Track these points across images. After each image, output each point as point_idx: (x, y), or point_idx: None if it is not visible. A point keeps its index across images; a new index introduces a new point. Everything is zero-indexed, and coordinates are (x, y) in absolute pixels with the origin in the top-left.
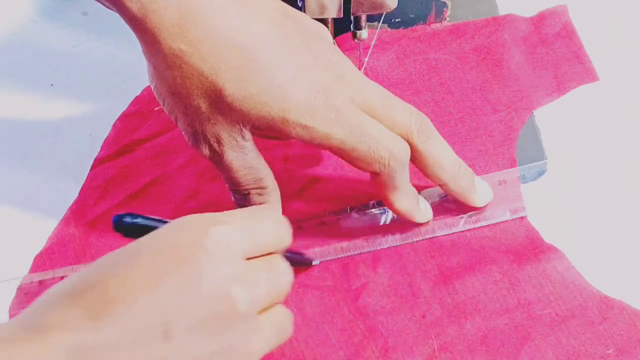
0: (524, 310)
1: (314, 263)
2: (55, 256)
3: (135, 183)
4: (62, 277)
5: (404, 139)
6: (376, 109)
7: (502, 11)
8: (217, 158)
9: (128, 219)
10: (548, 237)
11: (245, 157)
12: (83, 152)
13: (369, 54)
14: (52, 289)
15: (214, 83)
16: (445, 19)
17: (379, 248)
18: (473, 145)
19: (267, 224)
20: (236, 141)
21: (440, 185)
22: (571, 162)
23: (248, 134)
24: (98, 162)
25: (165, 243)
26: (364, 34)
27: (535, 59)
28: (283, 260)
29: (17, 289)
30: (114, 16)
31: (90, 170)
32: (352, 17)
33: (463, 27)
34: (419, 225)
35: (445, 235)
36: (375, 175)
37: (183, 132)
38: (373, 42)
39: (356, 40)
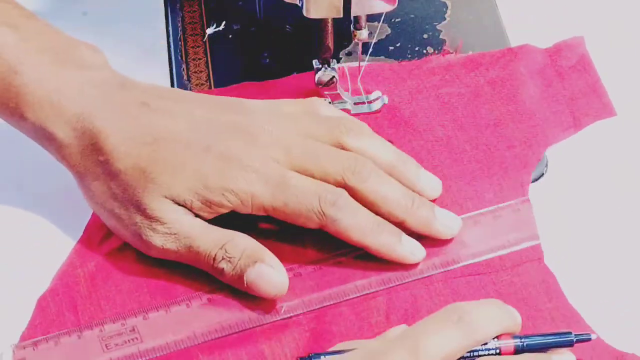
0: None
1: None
2: (60, 298)
3: None
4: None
5: (341, 185)
6: (303, 163)
7: (502, 11)
8: (170, 229)
9: None
10: (548, 237)
11: (199, 224)
12: None
13: (368, 54)
14: None
15: (137, 166)
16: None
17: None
18: (487, 182)
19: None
20: (175, 210)
21: (401, 225)
22: (571, 162)
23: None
24: None
25: None
26: (363, 34)
27: (551, 93)
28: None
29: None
30: (114, 16)
31: None
32: (352, 17)
33: (478, 58)
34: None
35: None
36: (325, 228)
37: (138, 242)
38: (373, 42)
39: (356, 40)
